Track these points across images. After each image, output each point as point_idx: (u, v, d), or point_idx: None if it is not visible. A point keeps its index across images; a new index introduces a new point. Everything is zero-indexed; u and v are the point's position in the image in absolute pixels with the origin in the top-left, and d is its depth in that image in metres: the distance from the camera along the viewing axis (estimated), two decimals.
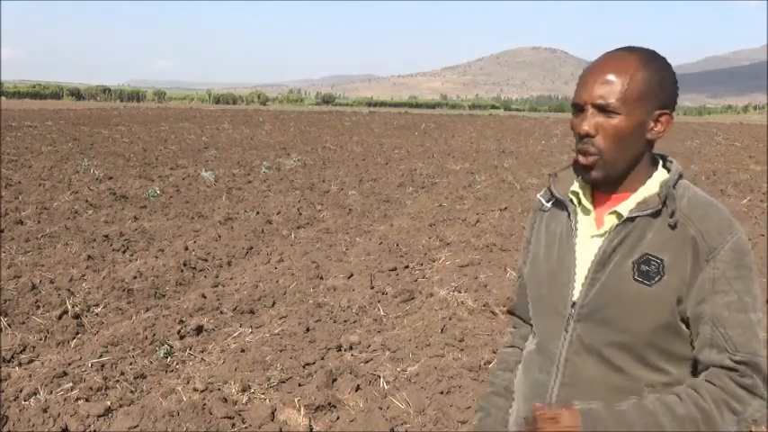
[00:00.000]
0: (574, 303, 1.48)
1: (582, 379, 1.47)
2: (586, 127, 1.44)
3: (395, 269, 7.00)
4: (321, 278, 6.70)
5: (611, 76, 1.42)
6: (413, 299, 6.11)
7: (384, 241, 8.24)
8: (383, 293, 6.19)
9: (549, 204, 1.61)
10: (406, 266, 7.21)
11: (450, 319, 5.45)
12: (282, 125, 35.02)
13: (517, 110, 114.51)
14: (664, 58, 1.46)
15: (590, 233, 1.50)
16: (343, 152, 20.51)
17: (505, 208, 10.60)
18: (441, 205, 11.13)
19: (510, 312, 1.80)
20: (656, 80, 1.42)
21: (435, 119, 51.10)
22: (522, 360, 1.64)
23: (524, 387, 1.60)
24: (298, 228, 9.13)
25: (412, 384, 4.31)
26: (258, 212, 9.91)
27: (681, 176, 1.48)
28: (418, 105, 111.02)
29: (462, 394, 4.05)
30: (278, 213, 9.88)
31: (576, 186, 1.55)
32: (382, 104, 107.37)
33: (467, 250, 7.79)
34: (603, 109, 1.42)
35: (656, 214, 1.42)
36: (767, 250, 7.81)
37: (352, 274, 6.78)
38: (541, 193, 1.64)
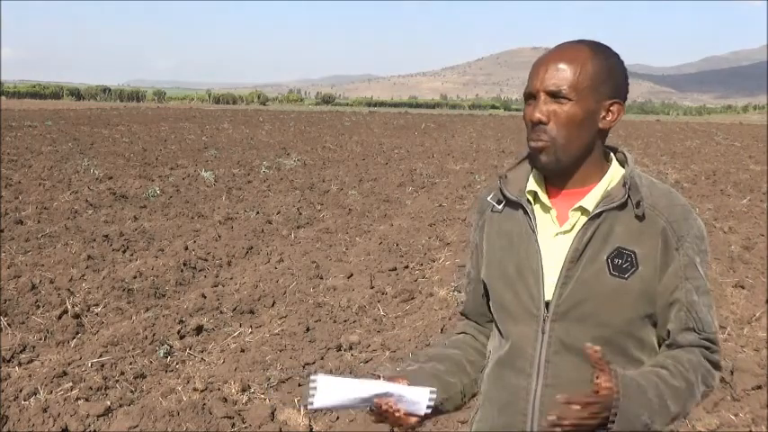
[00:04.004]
0: (547, 303, 1.46)
1: (565, 378, 1.45)
2: (538, 114, 1.45)
3: (395, 269, 7.00)
4: (321, 278, 6.70)
5: (562, 65, 1.44)
6: (413, 299, 6.11)
7: (384, 241, 8.24)
8: (383, 293, 6.19)
9: (500, 206, 1.58)
10: (406, 266, 7.21)
11: (449, 318, 5.45)
12: (282, 125, 35.03)
13: (517, 110, 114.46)
14: (612, 50, 1.49)
15: (553, 231, 1.49)
16: (343, 152, 20.51)
17: None
18: (441, 205, 11.13)
19: (463, 314, 1.75)
20: (606, 69, 1.45)
21: (435, 119, 51.11)
22: (490, 371, 1.59)
23: (500, 396, 1.54)
24: (298, 228, 9.13)
25: None
26: (258, 212, 9.91)
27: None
28: (418, 105, 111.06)
29: None
30: (278, 213, 9.88)
31: (532, 184, 1.53)
32: (382, 104, 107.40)
33: (467, 250, 7.78)
34: (556, 95, 1.43)
35: (622, 206, 1.44)
36: (767, 250, 7.81)
37: (352, 274, 6.78)
38: (490, 195, 1.60)
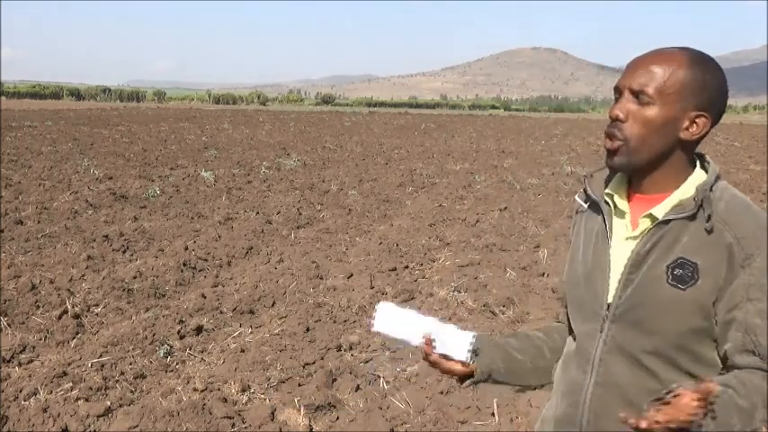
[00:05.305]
0: (609, 304, 1.48)
1: (615, 379, 1.48)
2: (617, 110, 1.44)
3: (395, 269, 7.01)
4: (321, 278, 6.70)
5: (654, 67, 1.42)
6: (413, 299, 6.11)
7: (384, 241, 8.24)
8: (383, 293, 6.19)
9: (585, 205, 1.61)
10: (406, 266, 7.21)
11: (449, 319, 5.46)
12: (282, 125, 35.03)
13: (517, 110, 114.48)
14: (715, 66, 1.45)
15: (625, 235, 1.50)
16: (343, 152, 20.51)
17: (505, 208, 10.60)
18: (440, 205, 11.13)
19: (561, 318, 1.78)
20: (700, 82, 1.41)
21: (435, 119, 51.10)
22: (562, 359, 1.66)
23: (563, 385, 1.61)
24: (298, 228, 9.13)
25: (412, 384, 4.31)
26: (258, 212, 9.91)
27: (719, 178, 1.46)
28: (418, 105, 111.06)
29: (462, 394, 4.05)
30: (278, 213, 9.88)
31: (610, 187, 1.54)
32: (382, 105, 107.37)
33: (467, 250, 7.79)
34: (638, 95, 1.42)
35: (692, 217, 1.41)
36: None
37: (352, 274, 6.78)
38: (578, 193, 1.64)
